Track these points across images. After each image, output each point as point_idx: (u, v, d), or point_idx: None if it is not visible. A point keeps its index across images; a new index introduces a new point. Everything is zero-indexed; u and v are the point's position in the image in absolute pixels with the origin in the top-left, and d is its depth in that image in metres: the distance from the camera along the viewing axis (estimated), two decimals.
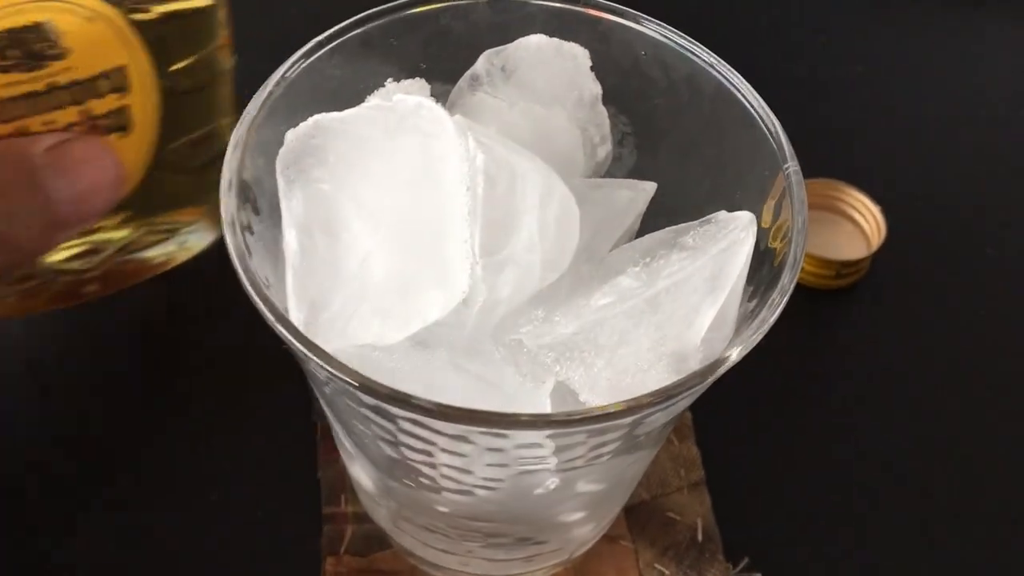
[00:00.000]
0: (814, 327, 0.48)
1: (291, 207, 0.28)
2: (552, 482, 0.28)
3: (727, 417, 0.43)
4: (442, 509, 0.31)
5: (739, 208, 0.31)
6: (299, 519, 0.40)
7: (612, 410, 0.23)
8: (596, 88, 0.33)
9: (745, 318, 0.27)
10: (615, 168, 0.35)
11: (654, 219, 0.33)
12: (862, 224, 0.49)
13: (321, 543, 0.39)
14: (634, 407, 0.23)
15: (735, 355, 0.24)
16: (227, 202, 0.27)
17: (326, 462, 0.41)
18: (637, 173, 0.35)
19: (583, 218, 0.28)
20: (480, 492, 0.29)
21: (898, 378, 0.46)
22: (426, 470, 0.29)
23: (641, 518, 0.40)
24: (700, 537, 0.40)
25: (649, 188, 0.31)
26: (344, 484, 0.40)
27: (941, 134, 0.55)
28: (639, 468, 0.33)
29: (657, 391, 0.23)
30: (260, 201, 0.29)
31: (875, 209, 0.48)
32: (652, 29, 0.32)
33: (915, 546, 0.41)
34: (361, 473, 0.33)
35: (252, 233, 0.28)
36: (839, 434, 0.44)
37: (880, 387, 0.46)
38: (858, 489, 0.42)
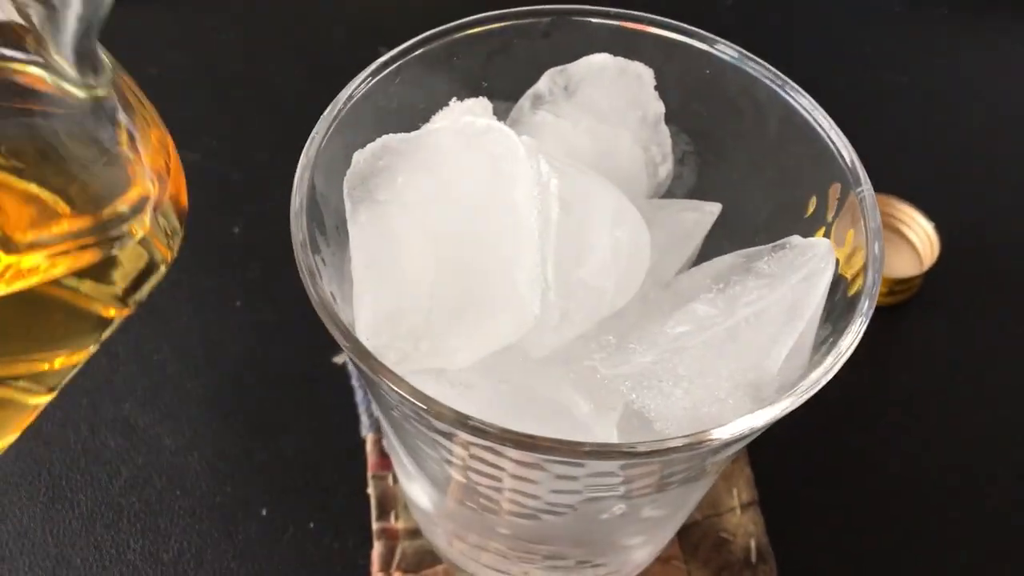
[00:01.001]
0: (865, 345, 0.47)
1: (358, 228, 0.28)
2: (619, 508, 0.28)
3: (780, 437, 0.42)
4: (503, 531, 0.31)
5: (803, 229, 0.31)
6: (349, 534, 0.40)
7: (695, 440, 0.23)
8: (660, 107, 0.33)
9: (818, 345, 0.27)
10: (675, 187, 0.35)
11: (713, 239, 0.33)
12: (915, 241, 0.48)
13: (372, 559, 0.39)
14: (716, 439, 0.23)
15: (816, 384, 0.24)
16: (297, 223, 0.27)
17: (375, 477, 0.41)
18: (698, 192, 0.35)
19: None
20: (545, 517, 0.29)
21: (950, 397, 0.45)
22: (491, 494, 0.28)
23: (693, 538, 0.40)
24: (754, 558, 0.39)
25: (714, 209, 0.31)
26: (394, 499, 0.40)
27: (995, 148, 0.55)
28: (702, 493, 0.32)
29: (741, 420, 0.23)
30: (326, 220, 0.29)
31: (928, 226, 0.48)
32: (719, 49, 0.32)
33: (977, 566, 0.40)
34: (420, 493, 0.33)
35: (318, 252, 0.28)
36: (893, 452, 0.43)
37: (932, 405, 0.45)
38: (913, 508, 0.42)
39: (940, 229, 0.48)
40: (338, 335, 0.25)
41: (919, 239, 0.48)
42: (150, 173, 0.24)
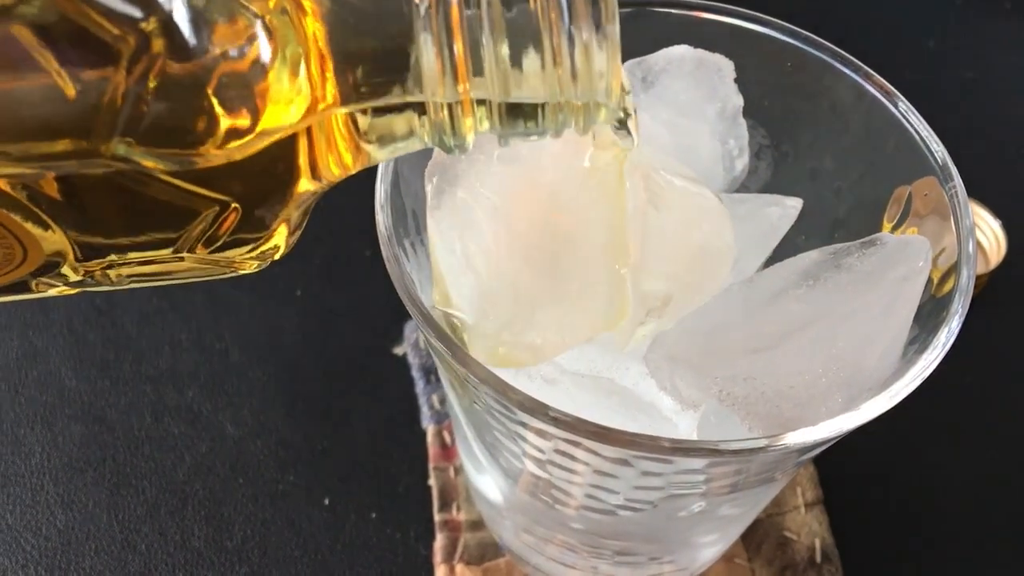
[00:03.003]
0: None
1: (439, 221, 0.28)
2: (698, 506, 0.28)
3: (845, 436, 0.42)
4: (576, 526, 0.31)
5: (886, 225, 0.30)
6: (410, 525, 0.40)
7: (784, 441, 0.23)
8: (739, 100, 0.32)
9: (909, 345, 0.26)
10: (749, 181, 0.34)
11: (788, 233, 0.32)
12: (981, 239, 0.48)
13: (434, 550, 0.39)
14: (805, 440, 0.23)
15: (912, 384, 0.24)
16: (383, 213, 0.27)
17: (437, 469, 0.41)
18: (773, 187, 0.34)
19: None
20: (623, 513, 0.28)
21: (1017, 397, 0.45)
22: (569, 488, 0.28)
23: (757, 537, 0.39)
24: (818, 558, 0.39)
25: (796, 205, 0.31)
26: (456, 491, 0.40)
27: None
28: (777, 491, 0.32)
29: (832, 422, 0.23)
30: (407, 208, 0.29)
31: (995, 224, 0.47)
32: (802, 41, 0.31)
33: None
34: (490, 486, 0.33)
35: (401, 242, 0.28)
36: (957, 453, 0.43)
37: (998, 405, 0.44)
38: (979, 508, 0.41)
39: (1007, 227, 0.47)
40: (423, 325, 0.25)
41: (985, 237, 0.48)
42: None
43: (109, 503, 0.40)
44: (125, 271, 0.22)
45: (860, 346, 0.24)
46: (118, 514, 0.40)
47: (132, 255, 0.21)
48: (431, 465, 0.41)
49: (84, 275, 0.22)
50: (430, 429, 0.42)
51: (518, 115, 0.22)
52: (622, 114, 0.23)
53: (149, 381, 0.44)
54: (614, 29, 0.21)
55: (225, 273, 0.23)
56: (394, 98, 0.22)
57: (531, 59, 0.21)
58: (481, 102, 0.22)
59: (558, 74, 0.21)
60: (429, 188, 0.28)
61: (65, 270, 0.22)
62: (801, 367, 0.24)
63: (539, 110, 0.22)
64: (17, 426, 0.42)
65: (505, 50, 0.21)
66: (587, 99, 0.22)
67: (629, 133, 0.24)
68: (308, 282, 0.47)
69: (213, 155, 0.20)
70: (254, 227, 0.22)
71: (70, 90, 0.18)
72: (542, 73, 0.21)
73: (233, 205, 0.21)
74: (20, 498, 0.40)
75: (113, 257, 0.21)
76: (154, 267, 0.22)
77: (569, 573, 0.35)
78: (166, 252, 0.22)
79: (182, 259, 0.22)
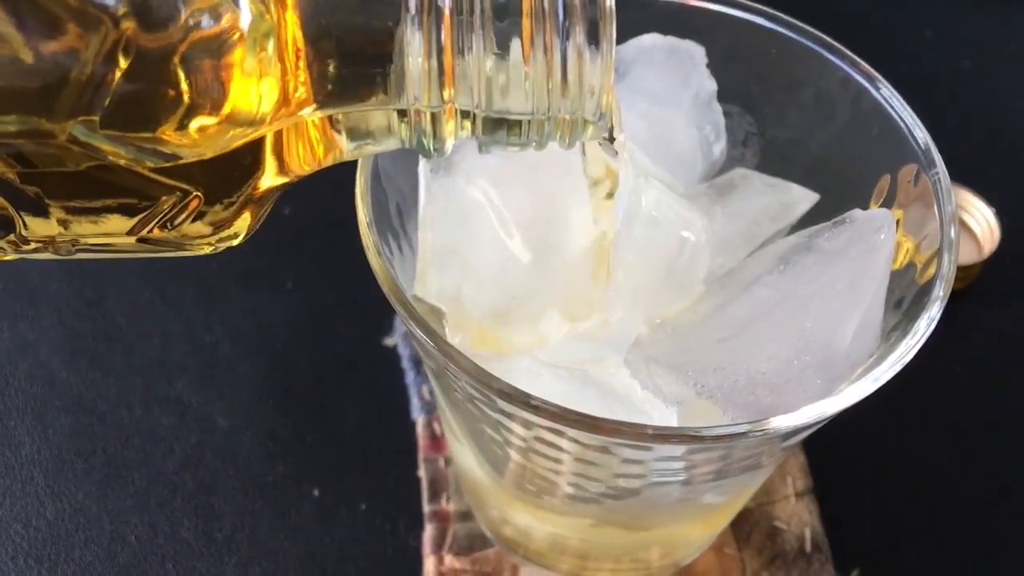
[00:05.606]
0: None
1: (430, 209, 0.28)
2: (680, 494, 0.28)
3: (835, 425, 0.41)
4: (562, 516, 0.31)
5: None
6: (400, 516, 0.40)
7: (764, 427, 0.23)
8: (712, 85, 0.32)
9: (888, 333, 0.26)
10: (735, 168, 0.34)
11: None
12: (974, 228, 0.47)
13: (423, 541, 0.39)
14: (785, 426, 0.23)
15: (891, 370, 0.23)
16: (363, 202, 0.27)
17: (426, 460, 0.41)
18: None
19: (749, 203, 0.27)
20: (607, 501, 0.28)
21: (1009, 387, 0.44)
22: (553, 477, 0.28)
23: (746, 527, 0.39)
24: (808, 547, 0.39)
25: (812, 196, 0.31)
26: (446, 482, 0.40)
27: None
28: (763, 479, 0.32)
29: (811, 407, 0.23)
30: (389, 199, 0.29)
31: (988, 212, 0.47)
32: (787, 28, 0.31)
33: None
34: (476, 476, 0.33)
35: (383, 232, 0.28)
36: (948, 442, 0.43)
37: (990, 395, 0.44)
38: (968, 498, 0.41)
39: (1000, 216, 0.47)
40: (404, 314, 0.25)
41: (979, 226, 0.47)
42: None
43: (99, 494, 0.40)
44: (72, 244, 0.22)
45: (829, 325, 0.24)
46: (108, 505, 0.40)
47: (85, 234, 0.21)
48: (421, 456, 0.41)
49: (31, 247, 0.22)
50: (420, 420, 0.42)
51: (501, 124, 0.22)
52: (608, 131, 0.23)
53: (139, 373, 0.44)
54: (610, 46, 0.21)
55: (179, 253, 0.23)
56: (373, 104, 0.21)
57: (520, 71, 0.21)
58: (465, 111, 0.21)
59: (547, 88, 0.21)
60: (422, 174, 0.28)
61: (5, 243, 0.21)
62: (770, 352, 0.24)
63: (524, 121, 0.21)
64: (7, 417, 0.42)
65: (494, 59, 0.20)
66: (575, 114, 0.21)
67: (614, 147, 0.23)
68: (299, 274, 0.47)
69: (179, 143, 0.19)
70: (216, 215, 0.22)
71: (31, 61, 0.18)
72: (531, 86, 0.21)
73: (195, 193, 0.21)
74: (10, 489, 0.40)
75: (62, 231, 0.21)
76: (106, 242, 0.22)
77: (557, 562, 0.35)
78: (121, 232, 0.21)
79: (137, 240, 0.22)
